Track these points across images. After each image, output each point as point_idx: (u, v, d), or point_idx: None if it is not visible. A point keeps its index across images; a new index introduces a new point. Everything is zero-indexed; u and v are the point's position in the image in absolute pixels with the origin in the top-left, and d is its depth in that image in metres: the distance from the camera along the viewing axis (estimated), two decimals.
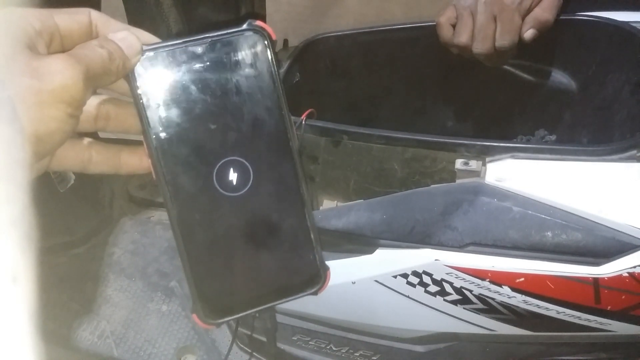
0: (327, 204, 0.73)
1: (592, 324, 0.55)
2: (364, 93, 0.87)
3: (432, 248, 0.56)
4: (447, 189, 0.59)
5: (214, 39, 0.30)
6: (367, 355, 0.75)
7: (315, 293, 0.33)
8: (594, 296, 0.52)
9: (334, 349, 0.76)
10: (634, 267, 0.51)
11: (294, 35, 0.92)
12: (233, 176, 0.31)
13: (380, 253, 0.60)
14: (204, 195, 0.31)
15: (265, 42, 0.30)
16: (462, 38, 0.68)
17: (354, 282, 0.61)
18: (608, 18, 0.71)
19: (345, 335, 0.73)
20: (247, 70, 0.30)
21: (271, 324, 0.39)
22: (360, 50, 0.83)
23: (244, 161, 0.31)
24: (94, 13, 0.29)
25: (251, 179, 0.31)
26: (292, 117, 0.71)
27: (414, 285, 0.58)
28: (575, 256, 0.52)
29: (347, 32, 0.82)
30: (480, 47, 0.67)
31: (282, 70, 0.78)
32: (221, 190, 0.31)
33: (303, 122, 0.65)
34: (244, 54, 0.30)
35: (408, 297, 0.60)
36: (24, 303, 0.23)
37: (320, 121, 0.67)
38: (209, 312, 0.31)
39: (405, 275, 0.58)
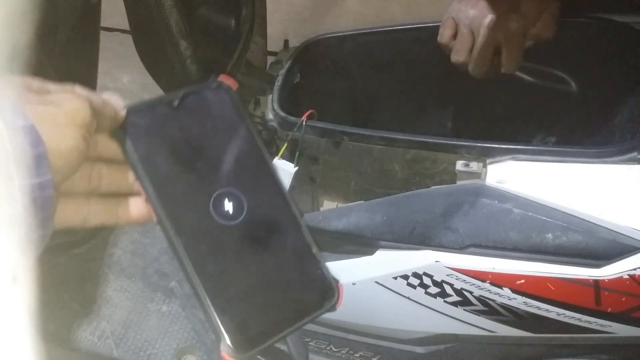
0: (328, 204, 0.73)
1: (593, 326, 0.55)
2: (364, 94, 0.87)
3: (432, 249, 0.56)
4: (447, 190, 0.59)
5: (185, 93, 0.34)
6: (367, 356, 0.75)
7: (334, 307, 0.34)
8: (595, 298, 0.52)
9: (334, 349, 0.76)
10: (635, 269, 0.51)
11: (294, 36, 0.92)
12: (229, 206, 0.33)
13: (380, 254, 0.60)
14: (207, 228, 0.32)
15: (229, 92, 0.35)
16: (460, 57, 0.67)
17: (354, 283, 0.61)
18: (608, 19, 0.71)
19: (345, 336, 0.73)
20: (219, 115, 0.34)
21: (301, 347, 0.39)
22: (361, 50, 0.83)
23: (235, 190, 0.33)
24: (78, 88, 0.32)
25: (245, 206, 0.33)
26: (293, 118, 0.72)
27: (414, 287, 0.58)
28: (576, 258, 0.52)
29: (348, 33, 0.82)
30: (477, 70, 0.67)
31: (283, 71, 0.78)
32: (221, 221, 0.32)
33: (304, 123, 0.65)
34: (213, 103, 0.34)
35: (408, 298, 0.60)
36: (24, 303, 0.23)
37: (321, 122, 0.67)
38: (239, 345, 0.31)
39: (405, 277, 0.58)
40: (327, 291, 0.34)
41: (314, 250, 0.34)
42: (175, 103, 0.33)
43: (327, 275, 0.34)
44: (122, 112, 0.32)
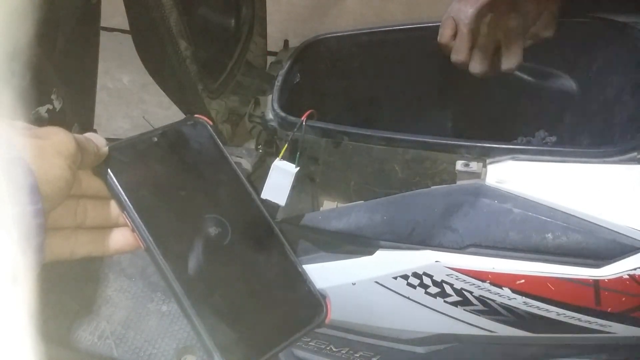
0: (328, 204, 0.73)
1: (593, 326, 0.55)
2: (364, 94, 0.87)
3: (432, 249, 0.56)
4: (447, 190, 0.59)
5: (164, 130, 0.36)
6: (367, 356, 0.75)
7: (323, 323, 0.35)
8: (594, 298, 0.52)
9: (334, 349, 0.76)
10: (634, 269, 0.51)
11: (294, 36, 0.92)
12: (213, 231, 0.34)
13: (380, 254, 0.60)
14: (194, 253, 0.33)
15: (206, 126, 0.37)
16: (460, 57, 0.67)
17: (354, 283, 0.61)
18: (608, 19, 0.71)
19: (345, 336, 0.73)
20: (198, 148, 0.37)
21: None
22: (361, 50, 0.83)
23: (219, 216, 0.35)
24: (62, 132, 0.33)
25: (229, 230, 0.35)
26: (293, 118, 0.72)
27: (414, 287, 0.58)
28: (576, 258, 0.52)
29: (348, 33, 0.82)
30: (478, 68, 0.67)
31: (283, 71, 0.78)
32: (207, 245, 0.34)
33: (303, 123, 0.65)
34: (191, 138, 0.37)
35: (408, 298, 0.60)
36: (24, 303, 0.23)
37: (321, 122, 0.67)
38: None
39: (405, 277, 0.58)
40: (315, 307, 0.35)
41: (300, 268, 0.36)
42: (155, 139, 0.35)
43: (315, 291, 0.35)
44: (105, 149, 0.33)
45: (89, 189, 0.34)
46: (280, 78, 0.76)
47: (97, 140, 0.33)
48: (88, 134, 0.33)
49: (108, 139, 0.35)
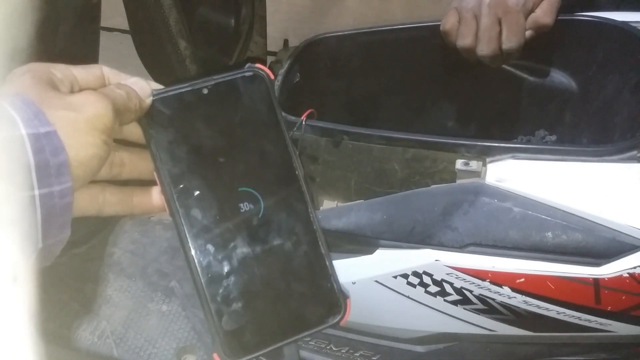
0: (328, 204, 0.73)
1: (592, 325, 0.55)
2: (364, 93, 0.87)
3: (432, 248, 0.56)
4: (447, 189, 0.59)
5: (217, 81, 0.32)
6: (367, 355, 0.75)
7: (337, 324, 0.33)
8: (594, 297, 0.52)
9: (334, 349, 0.76)
10: (634, 267, 0.51)
11: (294, 35, 0.92)
12: (244, 207, 0.31)
13: (380, 253, 0.60)
14: (219, 229, 0.31)
15: (265, 81, 0.33)
16: (466, 41, 0.67)
17: (354, 283, 0.61)
18: (608, 18, 0.71)
19: (345, 336, 0.73)
20: (250, 107, 0.32)
21: (295, 357, 0.37)
22: (361, 50, 0.83)
23: (254, 192, 0.32)
24: (105, 68, 0.31)
25: (262, 208, 0.32)
26: (293, 117, 0.72)
27: (414, 286, 0.58)
28: (576, 257, 0.52)
29: (348, 32, 0.82)
30: (485, 49, 0.67)
31: (283, 71, 0.78)
32: (234, 222, 0.31)
33: (303, 123, 0.65)
34: (245, 93, 0.32)
35: (408, 297, 0.60)
36: (24, 303, 0.23)
37: (321, 121, 0.67)
38: (231, 350, 0.31)
39: (405, 276, 0.58)
40: (333, 307, 0.33)
41: (327, 262, 0.33)
42: (205, 91, 0.32)
43: (337, 290, 0.33)
44: (148, 101, 0.31)
45: (129, 135, 0.32)
46: (280, 78, 0.76)
47: (142, 90, 0.30)
48: (132, 81, 0.31)
49: None
